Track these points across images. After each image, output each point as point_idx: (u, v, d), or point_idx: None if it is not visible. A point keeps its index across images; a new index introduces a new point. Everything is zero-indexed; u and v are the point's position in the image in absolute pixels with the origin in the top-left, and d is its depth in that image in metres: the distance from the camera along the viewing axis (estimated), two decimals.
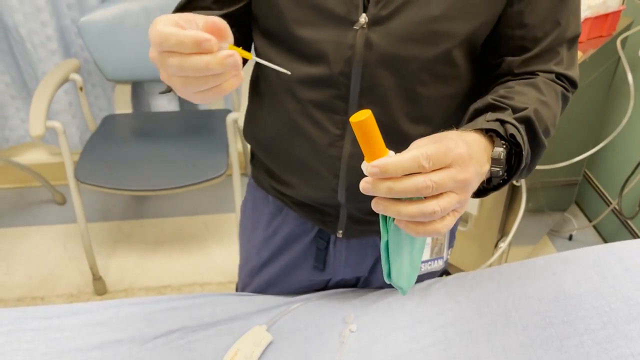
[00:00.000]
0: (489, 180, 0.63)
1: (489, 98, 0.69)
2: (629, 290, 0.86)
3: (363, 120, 0.48)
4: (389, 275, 0.62)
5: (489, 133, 0.62)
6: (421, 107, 0.72)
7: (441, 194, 0.51)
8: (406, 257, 0.62)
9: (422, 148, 0.51)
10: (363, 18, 0.67)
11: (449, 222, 0.53)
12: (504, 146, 0.62)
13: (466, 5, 0.66)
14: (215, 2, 0.76)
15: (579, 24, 0.75)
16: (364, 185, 0.51)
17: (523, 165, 0.65)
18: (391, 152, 0.51)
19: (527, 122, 0.66)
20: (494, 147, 0.61)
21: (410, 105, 0.72)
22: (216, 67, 0.51)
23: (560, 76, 0.74)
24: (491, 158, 0.61)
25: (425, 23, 0.66)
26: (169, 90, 0.70)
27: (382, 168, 0.49)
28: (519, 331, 0.84)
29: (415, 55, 0.69)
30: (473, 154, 0.55)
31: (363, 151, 0.51)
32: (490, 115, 0.64)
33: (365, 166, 0.51)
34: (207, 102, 0.56)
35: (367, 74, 0.70)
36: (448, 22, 0.67)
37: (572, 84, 0.76)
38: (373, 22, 0.67)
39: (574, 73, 0.76)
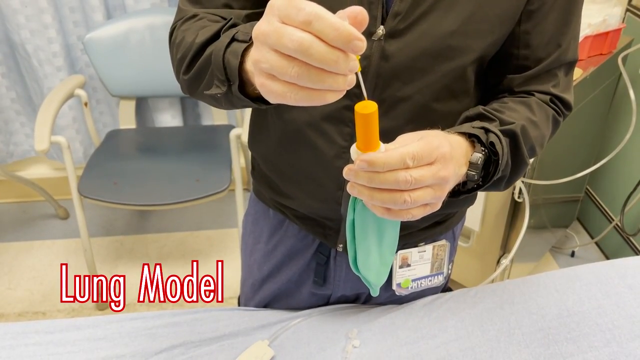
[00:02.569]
0: (464, 183, 0.66)
1: (480, 108, 0.72)
2: (633, 307, 0.85)
3: (370, 114, 0.50)
4: (355, 261, 0.64)
5: (471, 138, 0.65)
6: (429, 122, 0.74)
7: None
8: (373, 245, 0.64)
9: (410, 147, 0.54)
10: (381, 30, 0.67)
11: (417, 213, 0.56)
12: (483, 152, 0.65)
13: (481, 22, 0.68)
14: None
15: (577, 49, 0.77)
16: (347, 171, 0.54)
17: (499, 175, 0.67)
18: (382, 146, 0.54)
19: (512, 136, 0.69)
20: (473, 152, 0.64)
21: (419, 118, 0.73)
22: (343, 66, 0.44)
23: (555, 99, 0.76)
24: (469, 162, 0.64)
25: (441, 37, 0.68)
26: (219, 92, 0.61)
27: (369, 163, 0.52)
28: (522, 348, 0.84)
29: (431, 69, 0.70)
30: (455, 154, 0.59)
31: (357, 137, 0.53)
32: (477, 123, 0.68)
33: (354, 151, 0.54)
34: (297, 103, 0.47)
35: (381, 85, 0.70)
36: (463, 38, 0.68)
37: (567, 106, 0.79)
38: (390, 35, 0.68)
39: (569, 97, 0.78)
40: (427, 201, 0.56)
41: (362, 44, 0.43)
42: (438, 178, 0.55)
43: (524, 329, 0.86)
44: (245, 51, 0.57)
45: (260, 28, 0.46)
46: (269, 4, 0.46)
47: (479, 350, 0.85)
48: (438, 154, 0.55)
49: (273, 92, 0.47)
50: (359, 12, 0.44)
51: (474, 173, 0.64)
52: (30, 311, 1.86)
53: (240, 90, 0.59)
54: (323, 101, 0.47)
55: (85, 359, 0.87)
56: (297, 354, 0.90)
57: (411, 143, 0.55)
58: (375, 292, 0.70)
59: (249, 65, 0.56)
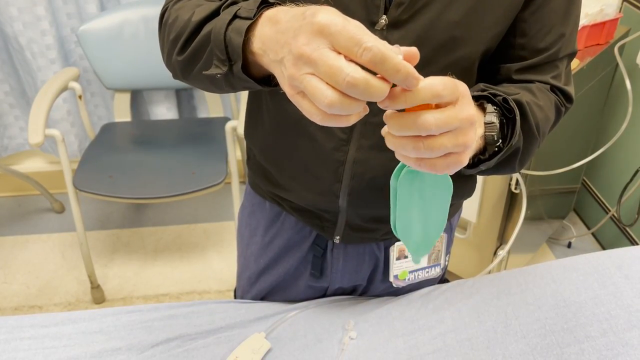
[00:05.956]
0: (483, 152, 0.63)
1: (481, 85, 0.69)
2: (629, 297, 0.85)
3: None
4: (395, 225, 0.60)
5: (479, 101, 0.63)
6: None
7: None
8: (416, 217, 0.60)
9: (436, 79, 0.47)
10: (384, 19, 0.66)
11: (453, 160, 0.50)
12: (496, 110, 0.63)
13: (485, 13, 0.67)
14: None
15: (576, 41, 0.76)
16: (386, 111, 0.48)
17: (516, 139, 0.64)
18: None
19: (519, 105, 0.66)
20: (486, 114, 0.62)
21: None
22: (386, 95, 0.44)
23: (555, 89, 0.75)
24: (484, 123, 0.61)
25: (445, 28, 0.67)
26: (217, 73, 0.58)
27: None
28: (519, 339, 0.84)
29: (434, 60, 0.69)
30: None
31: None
32: (483, 86, 0.66)
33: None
34: (321, 123, 0.46)
35: None
36: (467, 29, 0.67)
37: (568, 99, 0.78)
38: (392, 25, 0.67)
39: (570, 89, 0.77)
40: (448, 149, 0.49)
41: (417, 82, 0.43)
42: (462, 119, 0.48)
43: (520, 319, 0.86)
44: (249, 29, 0.54)
45: (306, 51, 0.44)
46: (318, 23, 0.43)
47: (476, 341, 0.85)
48: (462, 90, 0.49)
49: (300, 106, 0.46)
50: (415, 54, 0.45)
51: (492, 134, 0.61)
52: (26, 305, 1.85)
53: (242, 70, 0.56)
54: (345, 124, 0.46)
55: (81, 353, 0.87)
56: (293, 346, 0.89)
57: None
58: (416, 261, 0.66)
59: (256, 47, 0.53)
